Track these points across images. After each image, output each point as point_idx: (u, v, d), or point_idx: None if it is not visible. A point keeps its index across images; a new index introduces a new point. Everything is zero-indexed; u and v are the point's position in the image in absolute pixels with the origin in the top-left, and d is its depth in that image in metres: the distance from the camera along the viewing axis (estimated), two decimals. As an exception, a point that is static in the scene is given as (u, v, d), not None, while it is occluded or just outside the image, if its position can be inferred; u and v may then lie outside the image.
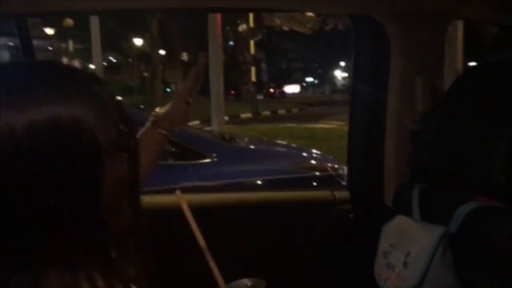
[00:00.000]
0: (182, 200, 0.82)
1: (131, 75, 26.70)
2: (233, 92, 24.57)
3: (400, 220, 0.97)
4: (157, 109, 1.03)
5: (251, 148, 3.60)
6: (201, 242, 0.73)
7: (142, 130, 1.01)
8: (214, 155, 2.98)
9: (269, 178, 2.78)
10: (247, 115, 16.41)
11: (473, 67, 0.90)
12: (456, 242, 0.85)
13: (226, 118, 11.41)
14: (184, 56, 27.99)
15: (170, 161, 2.91)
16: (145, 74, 25.05)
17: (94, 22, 11.07)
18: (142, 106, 6.10)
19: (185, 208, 0.74)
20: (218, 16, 7.47)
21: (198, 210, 1.26)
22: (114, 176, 0.59)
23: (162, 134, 1.00)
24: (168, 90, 24.39)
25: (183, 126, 1.05)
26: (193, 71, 1.04)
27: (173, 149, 2.92)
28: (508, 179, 0.81)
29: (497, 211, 0.82)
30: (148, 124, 1.02)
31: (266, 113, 17.64)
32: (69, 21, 16.44)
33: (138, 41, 21.19)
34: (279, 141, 5.14)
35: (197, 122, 13.16)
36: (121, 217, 0.62)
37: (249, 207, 1.29)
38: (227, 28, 22.65)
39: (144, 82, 23.84)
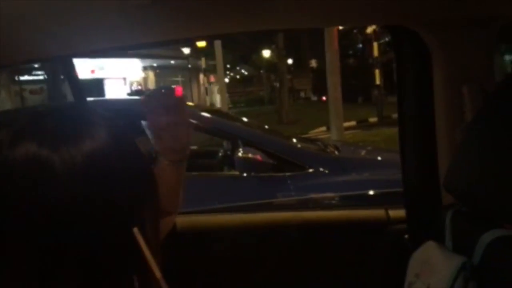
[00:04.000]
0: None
1: (261, 86, 27.75)
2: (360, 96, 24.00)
3: (427, 247, 0.89)
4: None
5: (354, 158, 3.50)
6: (157, 273, 0.75)
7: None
8: (311, 166, 2.97)
9: (364, 192, 2.67)
10: (375, 119, 15.90)
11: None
12: (479, 273, 0.76)
13: (349, 123, 11.20)
14: (313, 63, 28.20)
15: (269, 173, 2.96)
16: (275, 84, 25.85)
17: (217, 41, 11.82)
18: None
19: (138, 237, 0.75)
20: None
21: (256, 229, 1.30)
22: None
23: (166, 164, 0.96)
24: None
25: (180, 151, 0.95)
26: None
27: (272, 161, 2.98)
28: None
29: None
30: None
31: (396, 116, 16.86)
32: (202, 41, 17.78)
33: (266, 53, 21.95)
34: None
35: (323, 128, 13.17)
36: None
37: (298, 226, 1.28)
38: (355, 30, 22.27)
39: (274, 92, 24.58)
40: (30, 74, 18.22)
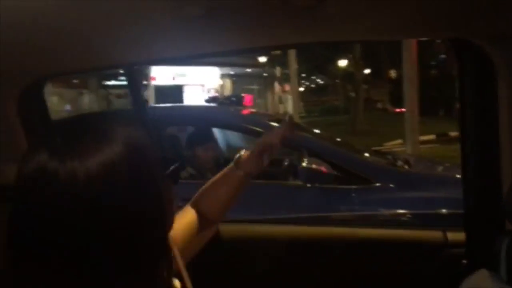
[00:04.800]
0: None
1: (337, 96, 27.41)
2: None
3: (479, 275, 0.83)
4: (242, 152, 1.10)
5: (426, 174, 3.34)
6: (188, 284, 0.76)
7: (225, 169, 1.09)
8: (378, 180, 2.88)
9: (432, 212, 2.54)
10: (456, 133, 15.06)
11: None
12: None
13: (427, 137, 10.67)
14: (392, 74, 27.36)
15: (333, 185, 2.91)
16: (350, 94, 25.42)
17: (292, 50, 11.85)
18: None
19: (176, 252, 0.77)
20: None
21: (305, 243, 1.29)
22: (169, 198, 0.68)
23: (240, 175, 1.06)
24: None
25: (257, 171, 1.07)
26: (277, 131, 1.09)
27: (336, 173, 2.93)
28: None
29: None
30: (231, 164, 1.10)
31: (481, 131, 15.82)
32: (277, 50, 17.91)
33: (342, 63, 21.67)
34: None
35: (399, 141, 12.70)
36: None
37: (350, 243, 1.24)
38: (438, 41, 21.33)
39: (349, 102, 24.16)
40: (116, 79, 19.40)
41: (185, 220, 1.04)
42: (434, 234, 1.24)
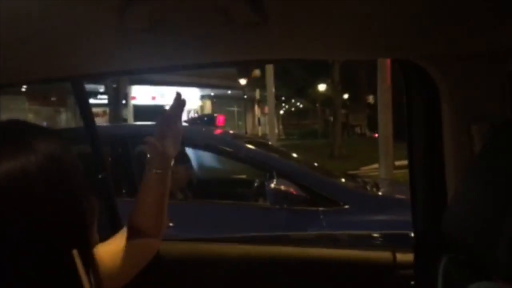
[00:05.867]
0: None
1: (316, 119, 27.71)
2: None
3: (416, 297, 0.83)
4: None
5: (394, 197, 3.36)
6: None
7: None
8: (346, 202, 2.88)
9: (399, 232, 2.55)
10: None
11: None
12: None
13: (402, 162, 10.81)
14: (370, 99, 27.86)
15: (301, 207, 2.91)
16: (329, 118, 25.74)
17: (269, 72, 11.96)
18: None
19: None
20: (388, 59, 7.30)
21: (242, 261, 1.26)
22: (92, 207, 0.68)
23: (153, 174, 1.03)
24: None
25: (167, 160, 1.04)
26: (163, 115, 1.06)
27: (305, 195, 2.92)
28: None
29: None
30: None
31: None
32: (256, 72, 18.11)
33: (321, 87, 21.99)
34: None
35: (376, 165, 12.83)
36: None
37: (296, 263, 1.22)
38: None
39: (328, 126, 24.44)
40: (95, 98, 19.26)
41: (120, 241, 1.02)
42: (383, 255, 1.23)
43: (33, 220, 0.58)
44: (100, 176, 0.83)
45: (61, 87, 15.04)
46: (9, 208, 0.57)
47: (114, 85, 15.31)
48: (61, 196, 0.61)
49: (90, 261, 0.67)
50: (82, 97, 1.26)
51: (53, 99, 19.32)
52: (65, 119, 20.23)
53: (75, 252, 0.60)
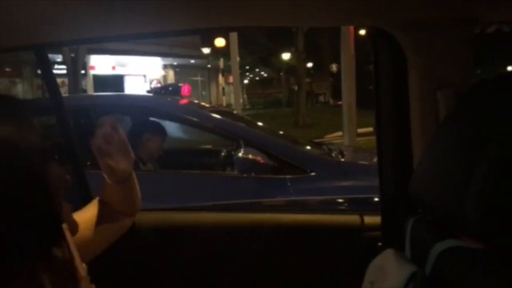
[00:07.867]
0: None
1: (281, 89, 27.72)
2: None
3: (385, 255, 0.86)
4: None
5: (359, 163, 3.45)
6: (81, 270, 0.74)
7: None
8: (313, 169, 2.93)
9: (363, 197, 2.63)
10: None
11: (481, 80, 0.76)
12: (429, 283, 0.73)
13: (365, 129, 11.05)
14: (333, 68, 28.03)
15: (268, 175, 2.94)
16: (294, 87, 25.82)
17: (233, 41, 11.80)
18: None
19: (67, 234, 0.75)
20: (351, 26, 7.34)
21: (216, 229, 1.29)
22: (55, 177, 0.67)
23: (118, 184, 1.02)
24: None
25: (119, 174, 1.00)
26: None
27: (272, 163, 2.95)
28: (484, 217, 0.67)
29: (468, 252, 0.68)
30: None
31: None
32: (220, 41, 17.82)
33: (286, 56, 21.93)
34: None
35: (339, 133, 13.05)
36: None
37: (269, 229, 1.25)
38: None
39: (292, 95, 24.53)
40: (54, 68, 18.56)
41: (93, 210, 1.01)
42: (351, 218, 1.27)
43: None
44: (65, 146, 0.81)
45: (16, 57, 14.35)
46: None
47: (72, 55, 14.76)
48: (19, 174, 0.62)
49: (60, 233, 0.67)
50: (47, 66, 1.21)
51: (7, 69, 18.46)
52: (21, 90, 19.43)
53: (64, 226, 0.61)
